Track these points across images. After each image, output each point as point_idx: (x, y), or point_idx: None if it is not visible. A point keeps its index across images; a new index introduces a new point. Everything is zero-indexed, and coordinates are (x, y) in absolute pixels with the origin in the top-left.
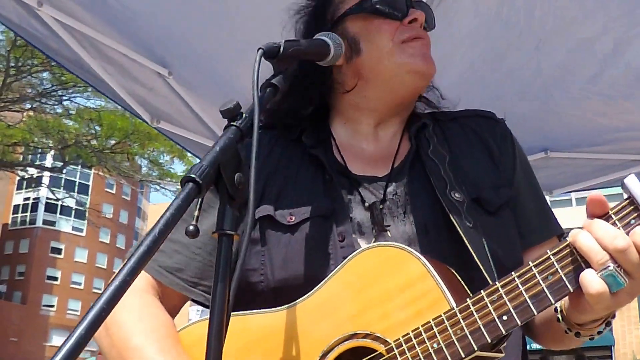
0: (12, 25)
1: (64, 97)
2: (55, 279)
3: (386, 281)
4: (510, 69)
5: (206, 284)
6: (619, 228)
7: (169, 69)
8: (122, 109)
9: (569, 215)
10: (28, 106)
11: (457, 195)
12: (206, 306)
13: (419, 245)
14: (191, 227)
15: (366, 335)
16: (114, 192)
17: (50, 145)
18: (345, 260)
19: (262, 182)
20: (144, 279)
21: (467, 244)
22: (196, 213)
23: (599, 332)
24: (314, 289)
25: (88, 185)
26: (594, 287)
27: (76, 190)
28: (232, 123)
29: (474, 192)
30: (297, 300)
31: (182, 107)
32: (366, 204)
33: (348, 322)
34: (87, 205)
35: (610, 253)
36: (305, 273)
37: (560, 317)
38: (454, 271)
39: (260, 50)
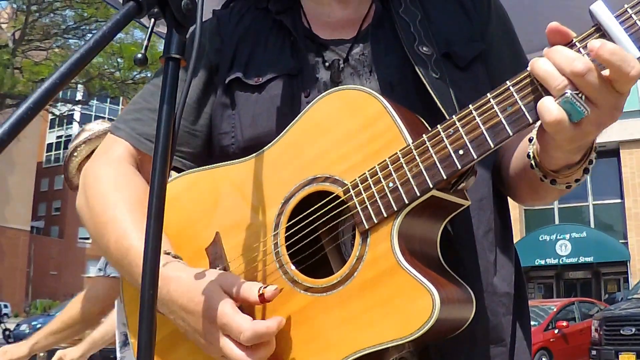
0: None
1: (87, 33)
2: None
3: (345, 123)
4: None
5: (183, 149)
6: (583, 55)
7: None
8: (141, 40)
9: None
10: (53, 45)
11: (425, 49)
12: (181, 171)
13: None
14: (139, 55)
15: (326, 179)
16: None
17: (77, 79)
18: (307, 106)
19: (233, 48)
20: (122, 148)
21: (432, 93)
22: (145, 42)
23: (577, 180)
24: (278, 137)
25: None
26: (550, 115)
27: None
28: None
29: (444, 47)
30: (262, 149)
31: None
32: (326, 64)
33: (309, 166)
34: None
35: (569, 77)
36: (274, 129)
37: (533, 163)
38: (418, 116)
39: None
